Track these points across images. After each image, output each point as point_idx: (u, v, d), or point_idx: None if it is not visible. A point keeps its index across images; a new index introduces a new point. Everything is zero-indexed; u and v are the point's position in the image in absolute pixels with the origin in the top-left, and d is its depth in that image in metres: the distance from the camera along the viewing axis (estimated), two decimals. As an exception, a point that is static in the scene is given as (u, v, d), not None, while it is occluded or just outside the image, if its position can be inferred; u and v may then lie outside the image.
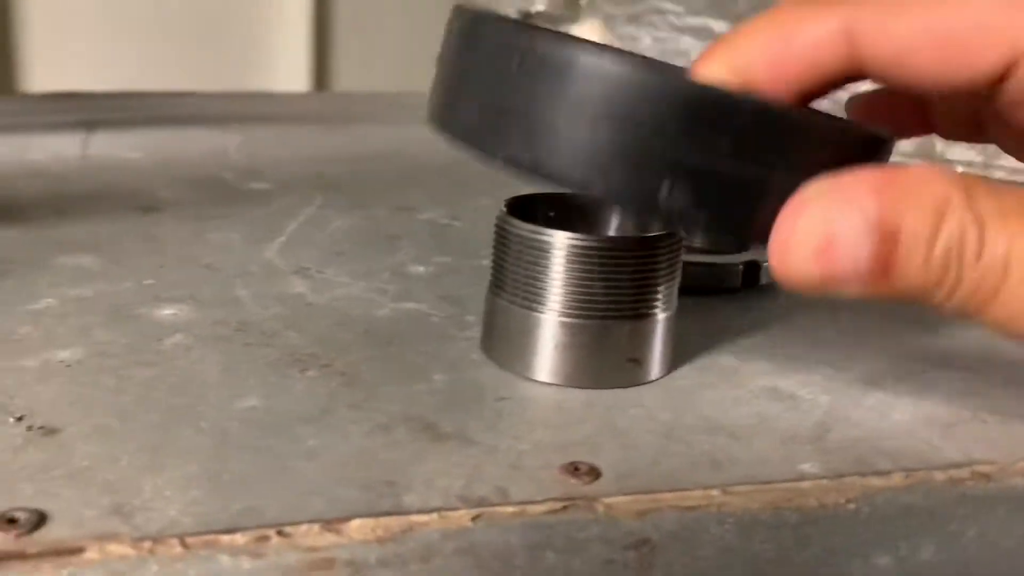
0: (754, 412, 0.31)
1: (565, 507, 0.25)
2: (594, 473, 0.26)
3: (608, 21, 1.10)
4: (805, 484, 0.27)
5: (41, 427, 0.27)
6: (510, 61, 0.25)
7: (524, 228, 0.32)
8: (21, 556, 0.21)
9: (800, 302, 0.40)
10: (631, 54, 0.26)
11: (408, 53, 2.23)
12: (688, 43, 1.02)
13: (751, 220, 0.25)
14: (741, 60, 0.27)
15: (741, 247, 0.42)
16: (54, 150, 0.67)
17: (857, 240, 0.23)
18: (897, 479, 0.27)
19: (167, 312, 0.36)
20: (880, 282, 0.24)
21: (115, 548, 0.22)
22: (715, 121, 0.24)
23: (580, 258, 0.31)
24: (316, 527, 0.23)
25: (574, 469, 0.26)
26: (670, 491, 0.26)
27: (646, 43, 1.06)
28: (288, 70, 2.06)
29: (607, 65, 0.24)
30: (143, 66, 1.83)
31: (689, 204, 0.25)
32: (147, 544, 0.22)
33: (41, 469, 0.25)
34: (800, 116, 0.26)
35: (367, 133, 0.87)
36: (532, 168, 0.26)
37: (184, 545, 0.22)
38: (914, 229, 0.23)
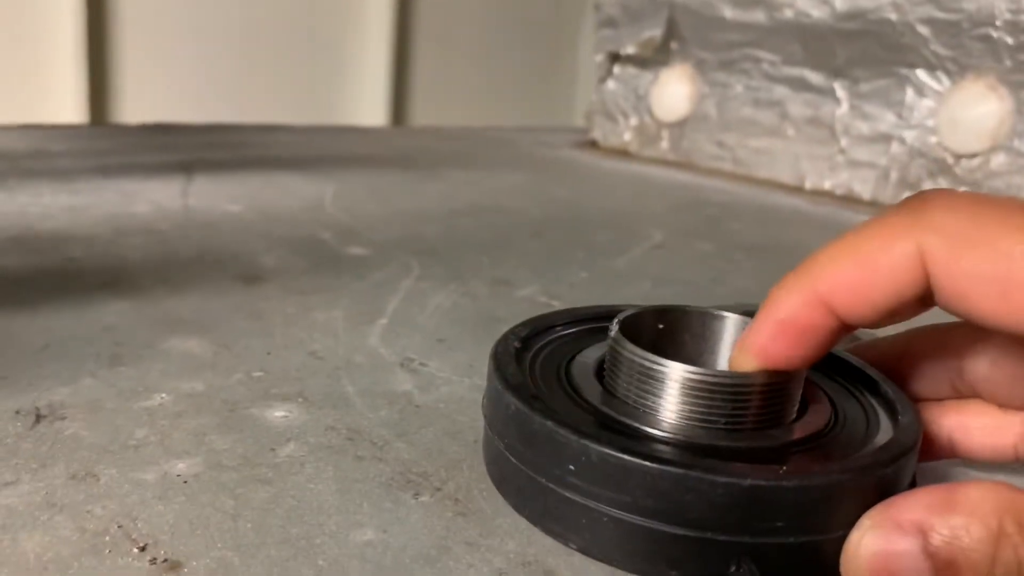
0: (883, 567, 0.29)
1: None
2: (723, 644, 0.25)
3: (699, 66, 1.09)
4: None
5: (165, 560, 0.27)
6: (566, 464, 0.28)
7: (641, 355, 0.31)
8: None
9: None
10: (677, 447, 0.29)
11: (482, 88, 2.25)
12: (782, 93, 1.00)
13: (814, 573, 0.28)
14: (824, 287, 0.28)
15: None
16: (156, 199, 0.69)
17: (916, 569, 0.24)
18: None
19: (279, 414, 0.36)
20: None
21: None
22: (768, 507, 0.26)
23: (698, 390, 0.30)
24: None
25: (701, 638, 0.25)
26: (802, 669, 0.25)
27: (738, 90, 1.05)
28: (368, 105, 2.09)
29: (658, 473, 0.27)
30: (231, 100, 1.87)
31: (756, 574, 0.27)
32: None
33: (167, 614, 0.25)
34: (837, 482, 0.27)
35: (456, 181, 0.88)
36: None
37: None
38: (971, 558, 0.24)
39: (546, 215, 0.77)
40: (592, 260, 0.62)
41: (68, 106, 1.67)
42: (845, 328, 0.29)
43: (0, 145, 0.88)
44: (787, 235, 0.78)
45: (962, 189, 0.89)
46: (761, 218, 0.84)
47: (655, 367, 0.30)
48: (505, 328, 0.34)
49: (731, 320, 0.35)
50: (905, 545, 0.25)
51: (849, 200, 0.96)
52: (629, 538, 0.28)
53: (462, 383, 0.41)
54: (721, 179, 1.03)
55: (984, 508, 0.24)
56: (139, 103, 1.77)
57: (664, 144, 1.13)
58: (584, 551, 0.29)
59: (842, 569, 0.26)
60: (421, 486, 0.32)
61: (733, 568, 0.27)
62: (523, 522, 0.30)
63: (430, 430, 0.36)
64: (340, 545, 0.28)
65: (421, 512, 0.30)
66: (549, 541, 0.29)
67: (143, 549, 0.27)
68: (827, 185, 0.98)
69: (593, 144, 1.21)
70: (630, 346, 0.31)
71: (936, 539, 0.24)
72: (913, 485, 0.30)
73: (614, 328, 0.32)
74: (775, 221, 0.83)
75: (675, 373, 0.30)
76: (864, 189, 0.95)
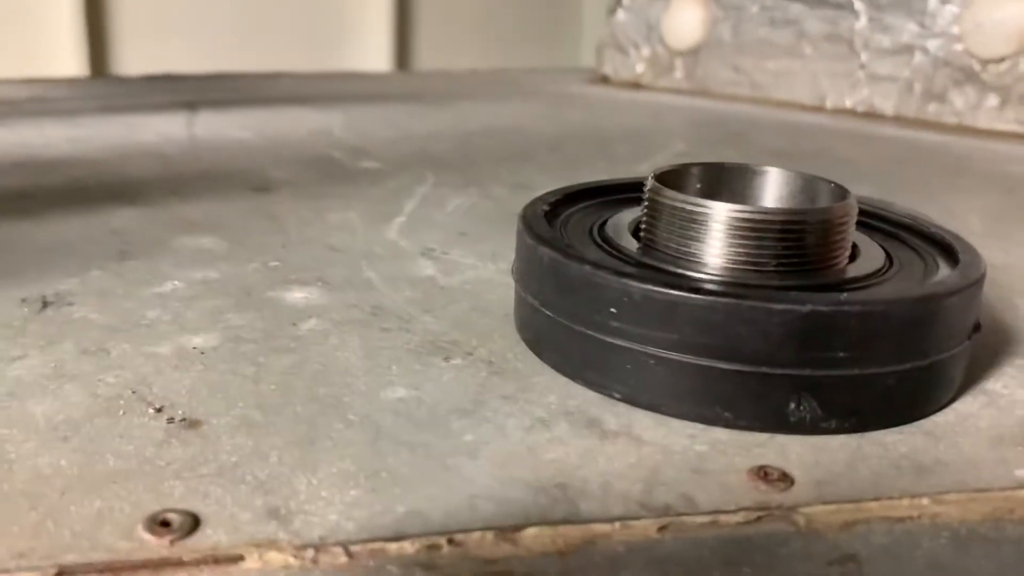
0: (950, 408, 0.28)
1: (760, 518, 0.22)
2: (787, 479, 0.23)
3: (711, -10, 1.06)
4: (1026, 493, 0.23)
5: (183, 419, 0.25)
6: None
7: (683, 199, 0.29)
8: (178, 564, 0.19)
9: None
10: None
11: (486, 32, 2.22)
12: (798, 10, 0.97)
13: (879, 409, 0.26)
14: None
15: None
16: (162, 130, 0.67)
17: None
18: None
19: (298, 295, 0.34)
20: None
21: (276, 557, 0.20)
22: (829, 336, 0.24)
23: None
24: (489, 536, 0.21)
25: (763, 474, 0.23)
26: (874, 500, 0.23)
27: (752, 11, 1.01)
28: (371, 50, 2.07)
29: (708, 305, 0.25)
30: (231, 49, 1.85)
31: (818, 412, 0.25)
32: (309, 553, 0.20)
33: (187, 466, 0.23)
34: (902, 309, 0.25)
35: (468, 110, 0.85)
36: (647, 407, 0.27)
37: (349, 554, 0.20)
38: None
39: (563, 133, 0.74)
40: (614, 166, 0.60)
41: (68, 60, 1.65)
42: None
43: (1, 95, 0.86)
44: (812, 143, 0.75)
45: (990, 96, 0.86)
46: (784, 132, 0.81)
47: (698, 209, 0.28)
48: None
49: (772, 174, 0.33)
50: None
51: (871, 116, 0.93)
52: (678, 379, 0.26)
53: (487, 268, 0.39)
54: (739, 103, 1.00)
55: None
56: (139, 55, 1.75)
57: (678, 73, 1.10)
58: (629, 399, 0.27)
59: None
60: (451, 351, 0.30)
61: (793, 405, 0.25)
62: (562, 379, 0.28)
63: (457, 306, 0.34)
64: (371, 402, 0.26)
65: (453, 373, 0.28)
66: (591, 393, 0.27)
67: (159, 410, 0.25)
68: (848, 103, 0.95)
69: (604, 79, 1.18)
70: (670, 192, 0.29)
71: None
72: (978, 329, 0.28)
73: (650, 179, 0.30)
74: (799, 133, 0.81)
75: (720, 214, 0.28)
76: (887, 104, 0.92)
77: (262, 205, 0.47)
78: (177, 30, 1.81)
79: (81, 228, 0.42)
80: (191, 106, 0.78)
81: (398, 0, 2.08)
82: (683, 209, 0.28)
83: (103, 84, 1.07)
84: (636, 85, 1.14)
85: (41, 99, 0.85)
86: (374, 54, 2.07)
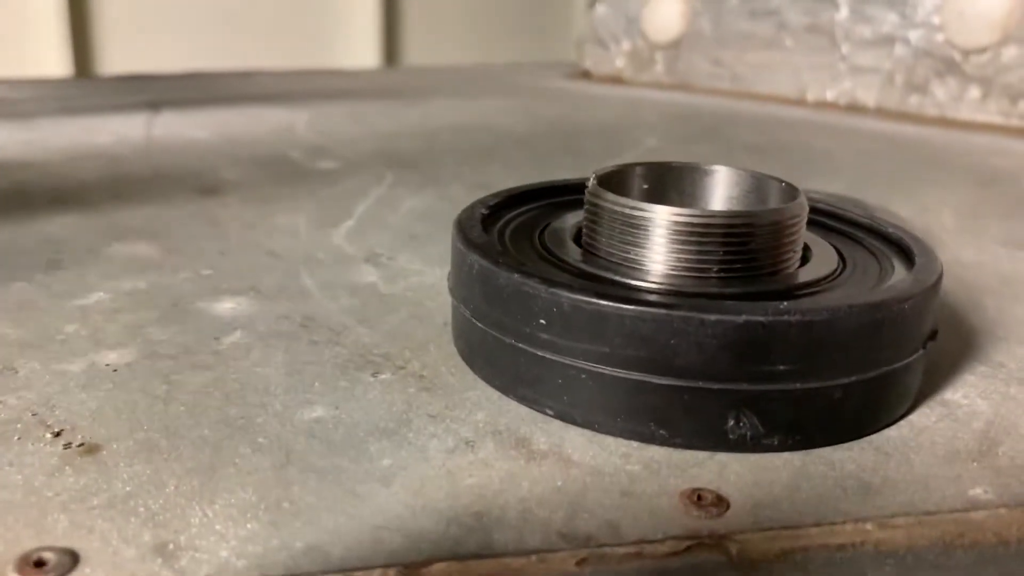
0: (904, 421, 0.26)
1: (689, 547, 0.20)
2: (722, 503, 0.22)
3: (691, -18, 1.04)
4: (979, 515, 0.22)
5: (81, 444, 0.23)
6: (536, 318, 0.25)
7: (622, 203, 0.27)
8: (46, 610, 0.18)
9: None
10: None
11: (475, 27, 2.20)
12: (779, 2, 0.95)
13: (826, 425, 0.24)
14: None
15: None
16: (120, 132, 0.65)
17: None
18: (1096, 510, 0.22)
19: (227, 306, 0.33)
20: None
21: (154, 600, 0.18)
22: (768, 347, 0.23)
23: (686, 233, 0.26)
24: (391, 572, 0.19)
25: (697, 498, 0.22)
26: (815, 525, 0.21)
27: (732, 3, 1.00)
28: (359, 46, 2.05)
29: (636, 316, 0.23)
30: (218, 47, 1.83)
31: (759, 428, 0.24)
32: (191, 595, 0.18)
33: (78, 497, 0.21)
34: (848, 317, 0.24)
35: (440, 107, 0.84)
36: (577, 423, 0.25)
37: (235, 596, 0.18)
38: None
39: (533, 130, 0.73)
40: (581, 164, 0.58)
41: (51, 60, 1.63)
42: None
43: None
44: (789, 137, 0.74)
45: (972, 87, 0.85)
46: (761, 126, 0.79)
47: (637, 212, 0.27)
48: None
49: (721, 173, 0.31)
50: None
51: (853, 109, 0.91)
52: (610, 394, 0.24)
53: (433, 273, 0.37)
54: (719, 97, 0.99)
55: None
56: (122, 54, 1.73)
57: (658, 67, 1.08)
58: (562, 416, 0.25)
59: None
60: (382, 366, 0.28)
61: (732, 421, 0.24)
62: (495, 395, 0.27)
63: (395, 316, 0.32)
64: (284, 423, 0.25)
65: (380, 389, 0.27)
66: (524, 410, 0.26)
67: (57, 435, 0.24)
68: (830, 95, 0.94)
69: (585, 74, 1.16)
70: (610, 195, 0.28)
71: None
72: (935, 336, 0.27)
73: (592, 181, 0.29)
74: (777, 127, 0.79)
75: (660, 217, 0.26)
76: (868, 96, 0.91)
77: (206, 209, 0.45)
78: (162, 28, 1.80)
79: (13, 236, 0.40)
80: (154, 106, 0.76)
81: (386, -3, 2.07)
82: (622, 213, 0.27)
83: (69, 85, 1.05)
84: (617, 79, 1.13)
85: (1, 100, 0.83)
86: (362, 50, 2.06)
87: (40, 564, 0.19)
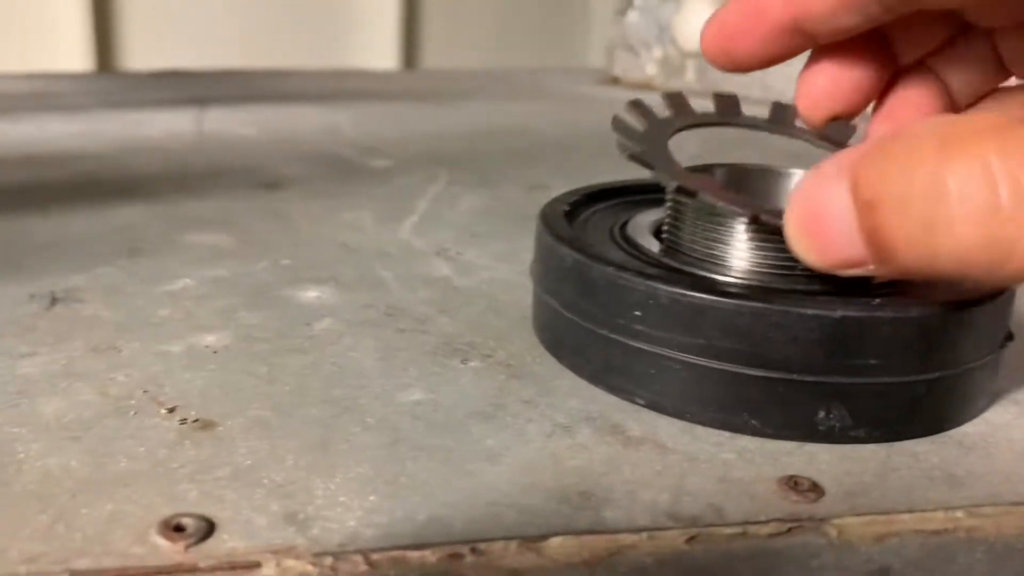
0: (980, 418, 0.27)
1: (791, 529, 0.21)
2: (817, 489, 0.23)
3: (722, -7, 1.05)
4: (1063, 507, 0.23)
5: (195, 420, 0.24)
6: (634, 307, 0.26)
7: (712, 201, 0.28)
8: (192, 570, 0.19)
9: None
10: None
11: (493, 31, 2.22)
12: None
13: (910, 418, 0.25)
14: None
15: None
16: (168, 127, 0.66)
17: (844, 223, 0.21)
18: None
19: (311, 294, 0.34)
20: (883, 257, 0.21)
21: (294, 564, 0.19)
22: (861, 343, 0.24)
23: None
24: (513, 545, 0.20)
25: (793, 484, 0.23)
26: (907, 512, 0.22)
27: (763, 15, 1.01)
28: (378, 48, 2.07)
29: (735, 309, 0.24)
30: (237, 45, 1.84)
31: (847, 420, 0.25)
32: (328, 560, 0.19)
33: (202, 468, 0.22)
34: (936, 316, 0.24)
35: (476, 110, 0.85)
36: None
37: (369, 563, 0.19)
38: (897, 195, 0.20)
39: (573, 134, 0.74)
40: (626, 168, 0.59)
41: (74, 55, 1.64)
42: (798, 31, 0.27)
43: (2, 89, 0.86)
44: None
45: None
46: (795, 137, 0.80)
47: (725, 211, 0.27)
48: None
49: (798, 177, 0.32)
50: (832, 187, 0.21)
51: (883, 121, 0.92)
52: (704, 385, 0.25)
53: (501, 268, 0.38)
54: (749, 105, 0.99)
55: (912, 152, 0.20)
56: (145, 51, 1.75)
57: (689, 75, 1.09)
58: (653, 406, 0.26)
59: (786, 236, 0.23)
60: (469, 354, 0.29)
61: (822, 413, 0.24)
62: (583, 383, 0.28)
63: (473, 307, 0.33)
64: (387, 405, 0.26)
65: (471, 375, 0.28)
66: (613, 399, 0.27)
67: (172, 411, 0.25)
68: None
69: (615, 80, 1.17)
70: (729, 197, 0.28)
71: (863, 179, 0.21)
72: (1011, 338, 0.28)
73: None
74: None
75: (748, 215, 0.27)
76: (899, 109, 0.92)
77: (270, 202, 0.46)
78: (182, 26, 1.81)
79: (88, 224, 0.41)
80: (199, 102, 0.78)
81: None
82: (710, 211, 0.28)
83: (107, 79, 1.06)
84: (647, 86, 1.14)
85: (44, 94, 0.85)
86: (381, 52, 2.07)
87: (180, 528, 0.20)
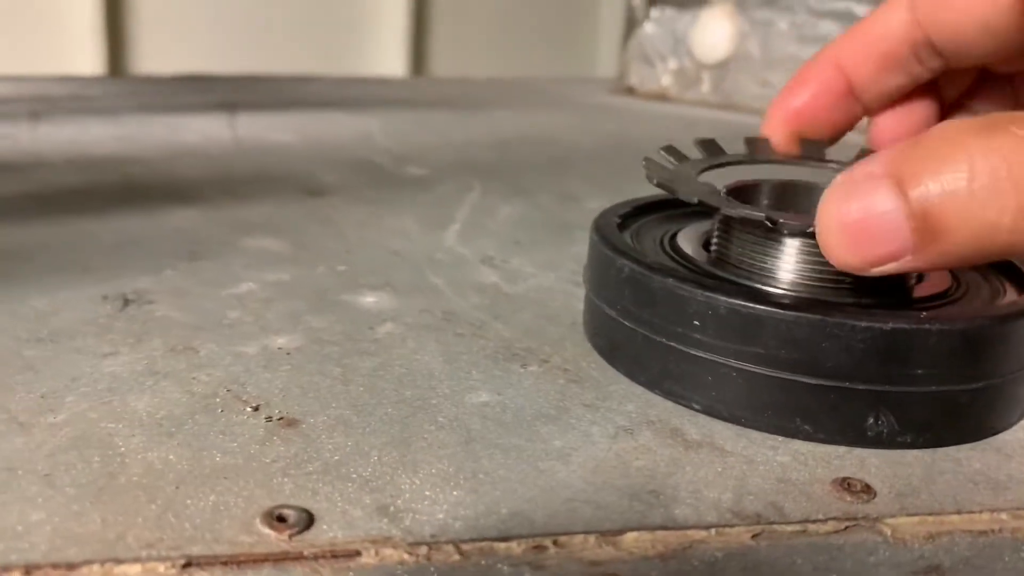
0: (1019, 425, 0.28)
1: (848, 527, 0.23)
2: (869, 491, 0.24)
3: (740, 4, 1.07)
4: (1101, 511, 0.24)
5: (280, 418, 0.26)
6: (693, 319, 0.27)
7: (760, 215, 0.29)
8: (298, 558, 0.20)
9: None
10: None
11: (502, 39, 2.23)
12: (828, 28, 0.98)
13: (953, 425, 0.27)
14: (834, 49, 0.33)
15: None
16: (204, 131, 0.68)
17: (891, 214, 0.23)
18: None
19: (370, 299, 0.35)
20: (931, 245, 0.23)
21: (391, 553, 0.21)
22: (909, 353, 0.25)
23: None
24: (592, 539, 0.21)
25: (847, 486, 0.24)
26: (956, 513, 0.24)
27: (782, 27, 1.02)
28: (388, 55, 2.08)
29: (793, 320, 0.26)
30: (246, 51, 1.86)
31: (895, 426, 0.26)
32: (423, 550, 0.21)
33: (293, 463, 0.24)
34: (980, 327, 0.26)
35: (500, 118, 0.86)
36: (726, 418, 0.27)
37: (461, 553, 0.21)
38: (946, 179, 0.22)
39: (597, 143, 0.75)
40: (654, 179, 0.61)
41: (85, 59, 1.66)
42: (855, 99, 0.34)
43: (36, 91, 0.87)
44: (841, 157, 0.76)
45: None
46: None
47: (773, 225, 0.29)
48: (580, 233, 0.33)
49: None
50: (873, 185, 0.23)
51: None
52: (760, 392, 0.26)
53: (548, 276, 0.39)
54: (764, 118, 1.01)
55: (949, 142, 0.22)
56: (157, 55, 1.76)
57: (705, 87, 1.11)
58: (709, 411, 0.27)
59: (819, 239, 0.25)
60: (527, 359, 0.31)
61: (871, 419, 0.26)
62: (639, 389, 0.29)
63: (525, 314, 0.35)
64: (456, 405, 0.27)
65: (532, 379, 0.29)
66: (670, 404, 0.28)
67: (256, 409, 0.26)
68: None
69: (629, 90, 1.19)
70: (744, 207, 0.30)
71: (906, 170, 0.23)
72: (1045, 353, 0.29)
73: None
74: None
75: (799, 229, 0.29)
76: (914, 123, 0.93)
77: (317, 208, 0.48)
78: (192, 32, 1.83)
79: (145, 227, 0.43)
80: (229, 107, 0.79)
81: (414, 5, 2.09)
82: (758, 225, 0.29)
83: (136, 83, 1.08)
84: (662, 97, 1.15)
85: (78, 97, 0.86)
86: (390, 59, 2.08)
87: (282, 519, 0.21)
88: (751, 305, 0.26)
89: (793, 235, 0.28)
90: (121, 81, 1.11)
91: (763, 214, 0.27)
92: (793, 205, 0.34)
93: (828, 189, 0.25)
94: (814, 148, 0.35)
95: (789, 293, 0.28)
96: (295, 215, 0.46)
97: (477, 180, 0.56)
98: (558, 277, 0.39)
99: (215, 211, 0.46)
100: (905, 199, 0.23)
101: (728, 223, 0.30)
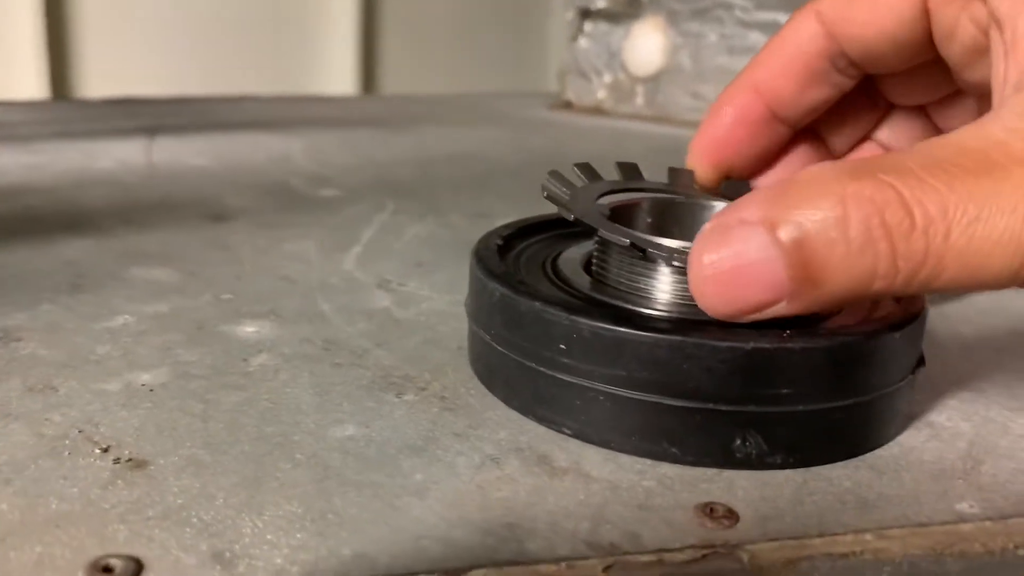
0: (894, 441, 0.28)
1: (705, 555, 0.22)
2: (732, 516, 0.24)
3: (671, 17, 1.07)
4: (966, 527, 0.24)
5: (129, 459, 0.25)
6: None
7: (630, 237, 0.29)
8: (118, 611, 0.19)
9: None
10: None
11: (452, 57, 2.23)
12: (756, 39, 0.98)
13: (825, 444, 0.26)
14: (751, 74, 0.32)
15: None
16: (120, 157, 0.66)
17: (767, 263, 0.23)
18: (1072, 522, 0.24)
19: (250, 329, 0.34)
20: (808, 291, 0.23)
21: (219, 602, 0.20)
22: (773, 372, 0.25)
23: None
24: (435, 578, 0.21)
25: (709, 511, 0.24)
26: (818, 536, 0.23)
27: (711, 39, 1.03)
28: (336, 73, 2.07)
29: (652, 342, 0.25)
30: (193, 71, 1.84)
31: (763, 447, 0.26)
32: (253, 598, 0.20)
33: (132, 508, 0.23)
34: (844, 345, 0.26)
35: (430, 135, 0.86)
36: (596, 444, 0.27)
37: (293, 599, 0.20)
38: (821, 226, 0.22)
39: (524, 160, 0.75)
40: (572, 194, 0.60)
41: (29, 82, 1.63)
42: (779, 121, 0.32)
43: (-44, 118, 0.85)
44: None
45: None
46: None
47: (646, 247, 0.28)
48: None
49: (719, 208, 0.33)
50: (745, 233, 0.23)
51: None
52: (625, 415, 0.26)
53: (443, 299, 0.39)
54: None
55: (823, 187, 0.22)
56: (101, 78, 1.74)
57: (639, 100, 1.11)
58: (579, 435, 0.27)
59: (691, 288, 0.25)
60: (404, 387, 0.30)
61: (738, 441, 0.25)
62: (514, 415, 0.28)
63: (411, 340, 0.34)
64: (319, 441, 0.26)
65: (405, 409, 0.29)
66: (542, 429, 0.27)
67: (106, 450, 0.25)
68: (805, 130, 0.97)
69: (567, 105, 1.19)
70: (619, 228, 0.29)
71: (780, 217, 0.22)
72: (922, 363, 0.29)
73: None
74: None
75: (666, 251, 0.28)
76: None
77: (218, 235, 0.47)
78: (139, 53, 1.80)
79: (33, 259, 0.41)
80: (150, 131, 0.78)
81: (363, 24, 2.08)
82: (631, 245, 0.29)
83: (62, 108, 1.06)
84: (598, 110, 1.15)
85: (-3, 123, 0.84)
86: (339, 78, 2.07)
87: (108, 570, 0.20)
88: (613, 327, 0.25)
89: (660, 263, 0.28)
90: (52, 106, 1.09)
91: (628, 240, 0.27)
92: (677, 224, 0.33)
93: (699, 235, 0.24)
94: (735, 187, 0.35)
95: (660, 314, 0.28)
96: (192, 242, 0.45)
97: (392, 199, 0.56)
98: (452, 300, 0.38)
99: (110, 240, 0.45)
100: (781, 247, 0.22)
101: (605, 244, 0.30)
